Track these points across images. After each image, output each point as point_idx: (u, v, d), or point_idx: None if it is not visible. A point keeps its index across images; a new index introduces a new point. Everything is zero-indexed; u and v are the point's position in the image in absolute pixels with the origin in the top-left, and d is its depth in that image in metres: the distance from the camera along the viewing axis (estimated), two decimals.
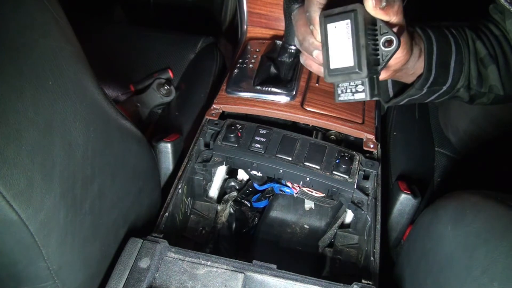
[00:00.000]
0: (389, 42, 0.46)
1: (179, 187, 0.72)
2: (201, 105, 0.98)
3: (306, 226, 0.80)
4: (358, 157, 0.73)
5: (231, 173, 0.86)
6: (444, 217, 0.53)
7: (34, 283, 0.48)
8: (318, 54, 0.48)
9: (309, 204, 0.81)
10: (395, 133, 0.95)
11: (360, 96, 0.46)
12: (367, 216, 0.70)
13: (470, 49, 0.64)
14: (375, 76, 0.47)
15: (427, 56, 0.59)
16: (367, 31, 0.44)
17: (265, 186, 0.82)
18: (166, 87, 1.00)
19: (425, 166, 0.92)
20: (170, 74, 1.02)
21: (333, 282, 0.59)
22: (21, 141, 0.41)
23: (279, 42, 0.90)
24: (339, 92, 0.48)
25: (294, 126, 0.85)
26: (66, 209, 0.48)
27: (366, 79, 0.45)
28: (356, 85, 0.46)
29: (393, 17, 0.46)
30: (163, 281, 0.59)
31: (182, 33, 1.14)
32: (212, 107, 0.83)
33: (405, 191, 0.76)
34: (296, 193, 0.76)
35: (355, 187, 0.70)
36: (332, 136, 0.83)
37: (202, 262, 0.60)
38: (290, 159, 0.72)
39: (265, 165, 0.72)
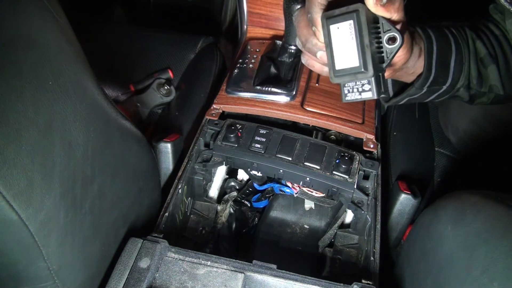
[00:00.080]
0: (392, 39, 0.46)
1: (179, 187, 0.72)
2: (201, 105, 0.98)
3: (306, 226, 0.80)
4: (358, 157, 0.73)
5: (231, 173, 0.86)
6: (444, 217, 0.53)
7: (34, 283, 0.48)
8: (322, 55, 0.48)
9: (309, 204, 0.81)
10: (395, 133, 0.95)
11: (368, 95, 0.46)
12: (367, 216, 0.70)
13: (470, 49, 0.64)
14: (380, 74, 0.47)
15: (427, 55, 0.59)
16: (370, 30, 0.44)
17: (265, 186, 0.82)
18: (166, 87, 1.00)
19: (425, 166, 0.92)
20: (170, 74, 1.02)
21: (333, 282, 0.59)
22: (21, 141, 0.41)
23: (279, 42, 0.90)
24: (346, 92, 0.47)
25: (294, 126, 0.85)
26: (66, 209, 0.48)
27: (372, 78, 0.45)
28: (363, 84, 0.46)
29: (395, 14, 0.46)
30: (163, 281, 0.59)
31: (182, 33, 1.14)
32: (212, 107, 0.83)
33: (405, 191, 0.76)
34: (296, 193, 0.76)
35: (355, 187, 0.70)
36: (332, 136, 0.83)
37: (202, 262, 0.60)
38: (290, 159, 0.72)
39: (265, 165, 0.72)
